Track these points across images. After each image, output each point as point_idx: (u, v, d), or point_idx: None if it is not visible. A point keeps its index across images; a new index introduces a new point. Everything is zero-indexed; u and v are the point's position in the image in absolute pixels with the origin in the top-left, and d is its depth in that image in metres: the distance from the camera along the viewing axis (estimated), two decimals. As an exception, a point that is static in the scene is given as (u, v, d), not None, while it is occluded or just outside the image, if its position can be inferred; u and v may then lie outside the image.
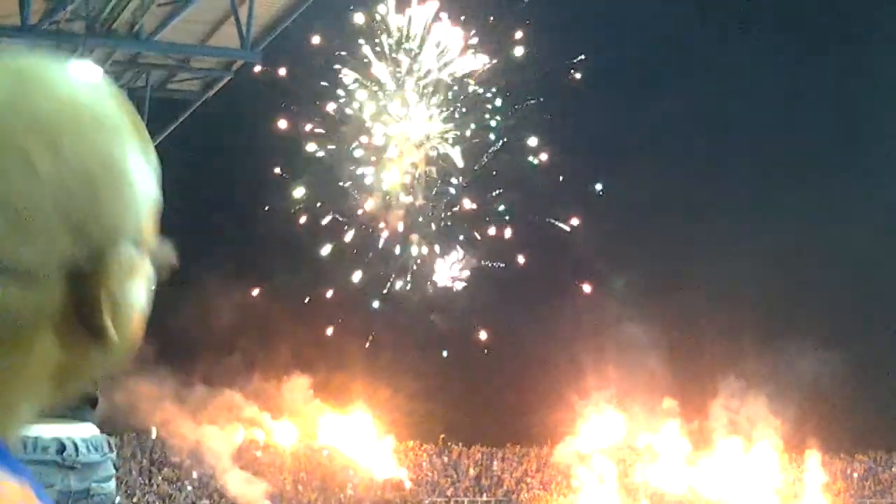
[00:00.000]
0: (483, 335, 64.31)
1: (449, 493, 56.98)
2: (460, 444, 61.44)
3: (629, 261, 64.08)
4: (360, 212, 63.87)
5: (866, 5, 66.44)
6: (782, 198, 66.23)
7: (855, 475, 62.29)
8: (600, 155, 64.96)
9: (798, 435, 61.92)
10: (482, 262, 65.37)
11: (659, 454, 61.38)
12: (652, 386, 61.91)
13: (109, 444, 1.90)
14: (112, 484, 1.71)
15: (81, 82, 1.50)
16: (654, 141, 66.22)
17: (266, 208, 61.19)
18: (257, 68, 34.16)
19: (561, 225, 64.74)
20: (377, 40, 60.55)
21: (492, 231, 65.43)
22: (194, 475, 50.27)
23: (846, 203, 63.86)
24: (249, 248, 60.52)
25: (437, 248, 64.84)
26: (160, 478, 49.78)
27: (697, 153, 65.58)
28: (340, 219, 63.12)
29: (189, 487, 49.56)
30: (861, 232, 62.91)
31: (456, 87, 62.53)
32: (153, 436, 52.45)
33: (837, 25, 66.18)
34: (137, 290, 1.53)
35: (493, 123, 63.34)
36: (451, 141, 63.08)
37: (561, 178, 64.07)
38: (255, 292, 60.02)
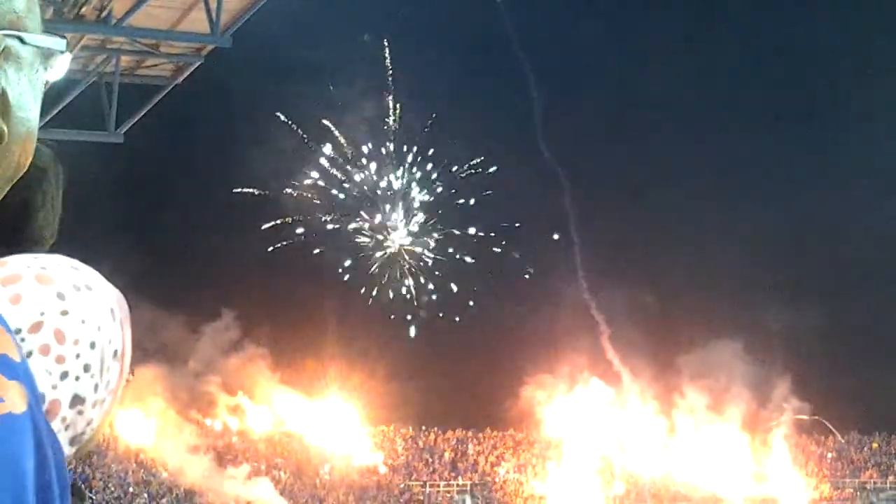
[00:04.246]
0: (457, 319, 64.73)
1: (424, 477, 57.02)
2: (436, 428, 61.48)
3: (603, 244, 64.43)
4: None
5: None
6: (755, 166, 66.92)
7: (829, 455, 62.71)
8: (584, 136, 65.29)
9: (773, 417, 62.33)
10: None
11: (633, 436, 61.67)
12: (624, 367, 62.26)
13: None
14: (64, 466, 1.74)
15: None
16: (628, 123, 66.57)
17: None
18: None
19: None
20: None
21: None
22: (169, 464, 50.12)
23: (819, 176, 64.49)
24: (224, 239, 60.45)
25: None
26: (134, 464, 49.67)
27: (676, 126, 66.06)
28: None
29: (164, 474, 49.46)
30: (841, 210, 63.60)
31: None
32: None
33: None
34: (15, 77, 1.45)
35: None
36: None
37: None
38: (227, 274, 60.01)
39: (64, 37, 1.48)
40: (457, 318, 64.61)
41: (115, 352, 1.48)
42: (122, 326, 1.50)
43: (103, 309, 1.47)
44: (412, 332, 64.48)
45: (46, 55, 1.47)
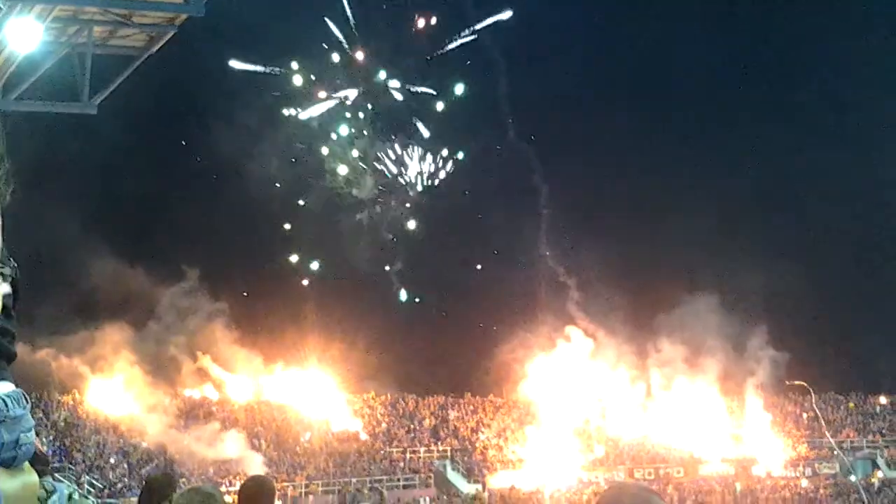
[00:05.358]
0: (433, 286, 64.85)
1: (405, 443, 57.23)
2: (415, 394, 61.72)
3: (576, 208, 64.63)
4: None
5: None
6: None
7: (805, 416, 63.26)
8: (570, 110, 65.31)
9: (752, 377, 62.82)
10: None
11: (611, 399, 62.09)
12: (599, 331, 62.59)
13: (25, 397, 1.98)
14: (33, 434, 1.81)
15: None
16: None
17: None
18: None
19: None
20: None
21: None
22: (148, 433, 50.19)
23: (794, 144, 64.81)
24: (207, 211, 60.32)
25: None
26: (113, 435, 49.73)
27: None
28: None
29: (144, 444, 49.52)
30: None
31: None
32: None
33: None
34: None
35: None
36: None
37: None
38: (202, 244, 59.91)
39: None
40: (434, 286, 64.73)
41: None
42: None
43: None
44: (391, 299, 64.51)
45: None
